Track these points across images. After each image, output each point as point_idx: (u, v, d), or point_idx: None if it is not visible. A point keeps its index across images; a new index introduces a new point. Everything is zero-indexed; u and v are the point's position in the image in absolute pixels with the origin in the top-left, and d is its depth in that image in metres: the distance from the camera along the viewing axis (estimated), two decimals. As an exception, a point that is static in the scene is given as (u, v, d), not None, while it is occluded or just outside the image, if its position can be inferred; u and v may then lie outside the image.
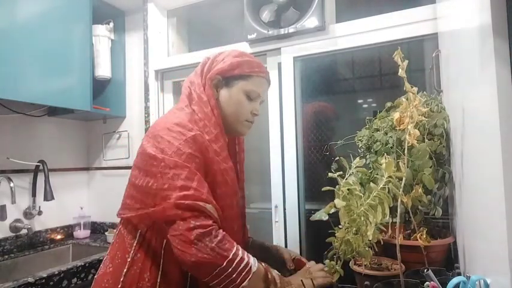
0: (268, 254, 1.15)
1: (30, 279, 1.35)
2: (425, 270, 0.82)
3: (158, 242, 0.92)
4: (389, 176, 0.88)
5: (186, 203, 0.82)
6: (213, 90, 1.02)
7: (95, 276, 0.98)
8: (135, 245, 0.93)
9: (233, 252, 0.83)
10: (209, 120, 0.97)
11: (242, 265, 0.83)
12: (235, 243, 0.86)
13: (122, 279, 0.90)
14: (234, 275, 0.82)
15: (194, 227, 0.81)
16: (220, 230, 0.84)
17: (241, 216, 1.09)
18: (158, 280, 0.90)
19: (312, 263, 1.10)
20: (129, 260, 0.92)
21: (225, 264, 0.81)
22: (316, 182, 1.93)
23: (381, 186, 0.88)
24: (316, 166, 1.99)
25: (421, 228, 1.08)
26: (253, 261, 0.87)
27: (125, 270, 0.91)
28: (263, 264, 0.91)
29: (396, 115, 0.99)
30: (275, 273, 0.92)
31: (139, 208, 0.91)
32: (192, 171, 0.86)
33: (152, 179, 0.88)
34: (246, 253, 0.87)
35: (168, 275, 0.92)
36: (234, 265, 0.82)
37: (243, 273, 0.83)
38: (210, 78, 1.02)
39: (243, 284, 0.83)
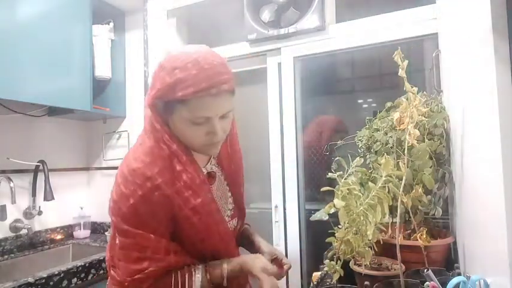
0: (251, 249, 1.13)
1: (30, 279, 1.35)
2: (425, 270, 0.82)
3: None
4: (388, 175, 0.88)
5: (140, 277, 0.85)
6: (160, 116, 0.87)
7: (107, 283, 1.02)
8: None
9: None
10: (170, 148, 0.87)
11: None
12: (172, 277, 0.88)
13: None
14: None
15: None
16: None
17: (234, 216, 1.07)
18: None
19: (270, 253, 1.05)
20: None
21: None
22: (316, 182, 1.93)
23: (380, 185, 0.88)
24: (316, 166, 1.99)
25: (421, 228, 1.08)
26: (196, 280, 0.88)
27: None
28: (208, 275, 0.91)
29: (396, 115, 0.99)
30: (221, 273, 0.92)
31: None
32: (145, 237, 0.85)
33: (112, 230, 0.92)
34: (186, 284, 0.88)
35: None
36: None
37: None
38: (150, 105, 0.86)
39: None
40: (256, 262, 0.93)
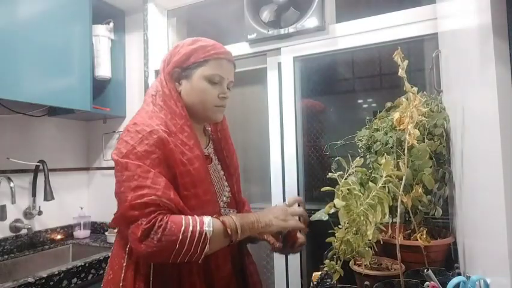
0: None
1: (30, 279, 1.35)
2: (425, 270, 0.82)
3: None
4: (388, 176, 0.88)
5: (140, 202, 0.83)
6: (173, 83, 1.02)
7: (102, 285, 1.01)
8: (127, 248, 0.95)
9: (182, 231, 0.83)
10: (174, 112, 0.98)
11: (196, 238, 0.84)
12: (183, 219, 0.85)
13: (121, 284, 0.93)
14: (192, 249, 0.84)
15: (141, 223, 0.82)
16: (164, 217, 0.83)
17: (231, 205, 1.08)
18: (151, 278, 0.92)
19: (292, 203, 1.06)
20: (124, 264, 0.95)
21: (177, 246, 0.82)
22: (316, 182, 1.93)
23: (380, 185, 0.88)
24: (317, 166, 1.99)
25: (421, 228, 1.08)
26: (207, 226, 0.86)
27: (122, 274, 0.94)
28: (221, 219, 0.90)
29: (396, 115, 0.99)
30: (235, 220, 0.91)
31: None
32: (145, 169, 0.86)
33: (116, 184, 0.91)
34: (198, 220, 0.86)
35: (160, 271, 0.93)
36: (187, 242, 0.83)
37: (201, 243, 0.84)
38: (168, 72, 1.02)
39: (204, 251, 0.85)
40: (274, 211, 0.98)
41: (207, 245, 0.85)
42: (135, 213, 0.83)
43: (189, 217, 0.87)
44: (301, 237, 1.11)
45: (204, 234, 0.84)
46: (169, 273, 0.93)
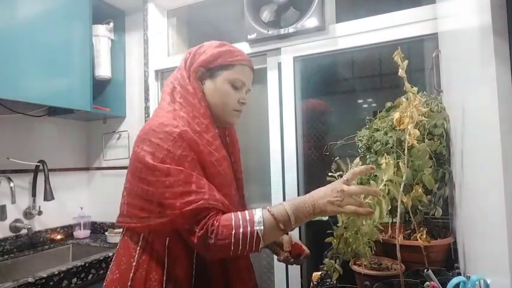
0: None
1: (30, 279, 1.35)
2: (425, 270, 0.82)
3: (160, 242, 0.93)
4: (389, 180, 0.88)
5: (190, 209, 0.83)
6: (198, 82, 1.01)
7: (103, 284, 0.99)
8: (138, 248, 0.94)
9: (233, 234, 0.83)
10: (198, 111, 0.97)
11: (248, 238, 0.84)
12: (232, 221, 0.85)
13: (129, 284, 0.91)
14: (248, 247, 0.85)
15: (194, 232, 0.84)
16: (215, 221, 0.84)
17: (241, 206, 1.08)
18: (164, 278, 0.91)
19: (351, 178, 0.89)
20: (134, 264, 0.93)
21: (232, 247, 0.84)
22: (316, 182, 1.93)
23: (380, 187, 0.88)
24: (316, 166, 1.99)
25: (421, 228, 1.08)
26: (257, 225, 0.85)
27: (131, 274, 0.92)
28: (272, 211, 0.87)
29: (396, 115, 0.99)
30: (288, 210, 0.87)
31: (144, 217, 0.91)
32: (187, 174, 0.86)
33: (151, 187, 0.88)
34: (248, 219, 0.85)
35: (173, 272, 0.92)
36: (241, 243, 0.84)
37: (254, 242, 0.85)
38: (194, 70, 1.01)
39: (260, 246, 0.86)
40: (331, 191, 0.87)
41: (261, 242, 0.86)
42: (188, 222, 0.85)
43: (239, 216, 0.86)
44: (305, 249, 1.12)
45: (255, 233, 0.85)
46: (182, 276, 0.92)
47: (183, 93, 0.99)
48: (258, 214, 0.87)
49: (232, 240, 0.83)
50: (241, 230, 0.84)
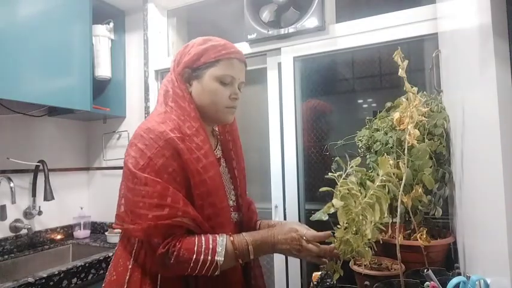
0: None
1: (30, 279, 1.35)
2: (425, 270, 0.82)
3: None
4: (386, 174, 0.88)
5: (161, 223, 0.85)
6: (185, 84, 0.99)
7: (103, 285, 1.00)
8: (134, 251, 0.95)
9: (193, 259, 0.86)
10: (188, 115, 0.96)
11: (206, 266, 0.87)
12: (195, 246, 0.87)
13: (125, 286, 0.92)
14: (204, 272, 0.88)
15: (157, 247, 0.86)
16: (177, 242, 0.86)
17: (236, 209, 1.07)
18: (159, 283, 0.92)
19: (311, 233, 0.98)
20: (130, 266, 0.94)
21: (189, 270, 0.87)
22: (316, 182, 1.93)
23: (378, 184, 0.88)
24: (316, 166, 1.99)
25: (421, 228, 1.08)
26: (218, 256, 0.88)
27: (127, 277, 0.93)
28: (234, 243, 0.91)
29: (396, 115, 0.99)
30: (249, 245, 0.92)
31: (127, 222, 0.91)
32: (164, 186, 0.86)
33: (129, 193, 0.89)
34: (211, 248, 0.88)
35: (168, 277, 0.93)
36: (198, 268, 0.87)
37: (211, 270, 0.88)
38: (179, 73, 0.99)
39: (215, 273, 0.89)
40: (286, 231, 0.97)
41: (218, 270, 0.89)
42: (156, 235, 0.86)
43: (203, 242, 0.88)
44: (322, 233, 1.09)
45: (214, 263, 0.87)
46: (178, 279, 0.93)
47: (174, 96, 0.98)
48: (221, 244, 0.89)
49: (191, 265, 0.86)
50: (201, 257, 0.86)
